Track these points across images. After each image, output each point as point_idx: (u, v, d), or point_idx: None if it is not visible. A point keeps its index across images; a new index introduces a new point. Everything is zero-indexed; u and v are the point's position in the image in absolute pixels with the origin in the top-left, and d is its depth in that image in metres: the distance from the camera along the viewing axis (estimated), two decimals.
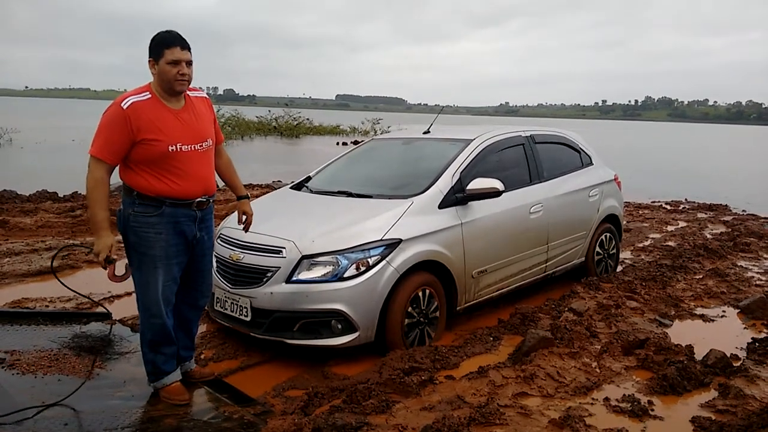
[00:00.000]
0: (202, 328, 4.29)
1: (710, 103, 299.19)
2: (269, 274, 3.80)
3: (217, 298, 4.06)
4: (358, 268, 3.77)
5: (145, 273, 3.08)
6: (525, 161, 5.25)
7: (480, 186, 4.40)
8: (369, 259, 3.81)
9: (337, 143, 29.00)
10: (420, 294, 4.03)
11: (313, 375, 3.71)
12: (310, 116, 40.67)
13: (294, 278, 3.76)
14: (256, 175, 13.73)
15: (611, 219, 6.08)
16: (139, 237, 3.05)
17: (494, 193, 4.41)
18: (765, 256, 7.14)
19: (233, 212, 3.95)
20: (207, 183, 3.19)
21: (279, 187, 7.53)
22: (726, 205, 11.65)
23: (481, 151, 4.84)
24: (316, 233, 3.93)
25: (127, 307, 4.68)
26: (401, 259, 3.89)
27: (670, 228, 9.18)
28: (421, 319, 4.06)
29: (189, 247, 3.19)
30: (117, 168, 3.06)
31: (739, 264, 6.65)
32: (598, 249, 5.91)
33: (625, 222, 7.33)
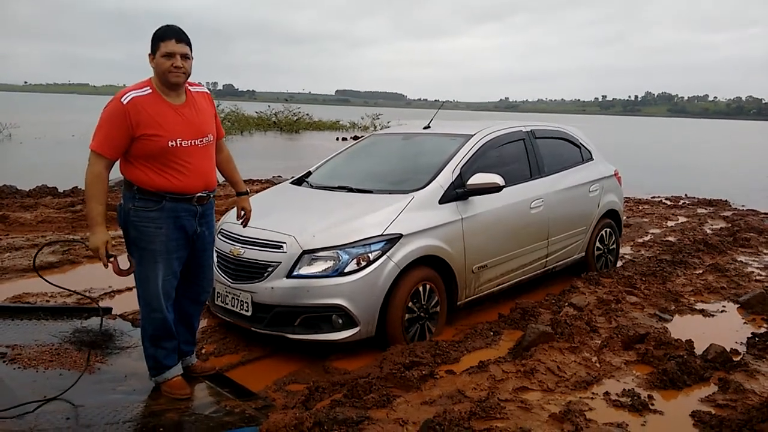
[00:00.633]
0: (203, 323, 4.30)
1: (710, 98, 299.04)
2: (270, 269, 3.80)
3: (218, 293, 4.06)
4: (358, 263, 3.77)
5: (145, 267, 3.08)
6: (525, 156, 5.25)
7: (480, 181, 4.40)
8: (370, 254, 3.81)
9: (337, 138, 28.99)
10: (420, 289, 4.04)
11: (314, 369, 3.72)
12: (310, 112, 40.64)
13: (295, 273, 3.77)
14: (256, 171, 13.72)
15: (611, 214, 6.08)
16: (140, 232, 3.05)
17: (495, 189, 4.41)
18: (765, 251, 7.15)
19: (233, 207, 3.95)
20: (207, 178, 3.19)
21: (279, 182, 7.53)
22: (726, 201, 11.65)
23: (482, 146, 4.84)
24: (316, 228, 3.93)
25: (128, 302, 4.69)
26: (402, 254, 3.90)
27: (670, 223, 9.18)
28: (422, 314, 4.07)
29: (189, 241, 3.19)
30: (118, 163, 3.06)
31: (739, 259, 6.66)
32: (598, 244, 5.92)
33: (625, 217, 7.33)
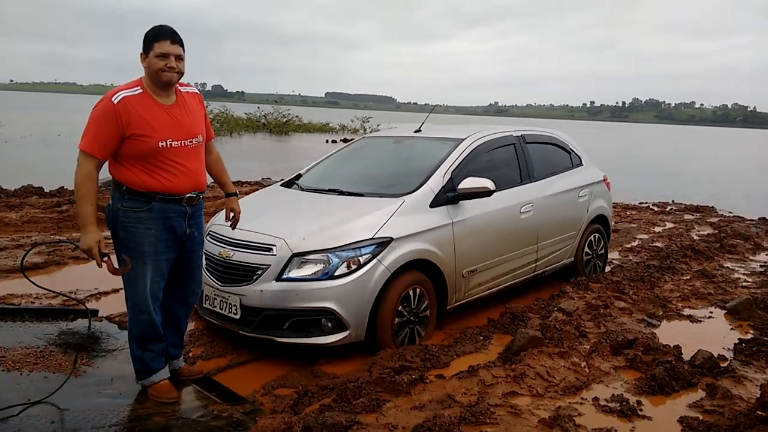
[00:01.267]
0: (190, 326, 4.26)
1: (697, 105, 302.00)
2: (259, 272, 3.77)
3: (206, 295, 4.03)
4: (348, 267, 3.76)
5: (133, 268, 3.05)
6: (516, 161, 5.26)
7: (471, 185, 4.40)
8: (360, 258, 3.79)
9: (327, 141, 28.97)
10: (410, 293, 4.02)
11: (302, 373, 3.69)
12: (300, 113, 40.56)
13: (284, 276, 3.74)
14: (245, 172, 13.66)
15: (600, 219, 6.11)
16: (128, 232, 3.02)
17: (485, 193, 4.41)
18: (751, 257, 7.22)
19: (222, 209, 3.93)
20: (197, 179, 3.17)
21: (268, 185, 7.49)
22: (713, 207, 11.76)
23: (473, 150, 4.84)
24: (306, 231, 3.91)
25: (114, 304, 4.63)
26: (392, 257, 3.88)
27: (657, 229, 9.25)
28: (412, 318, 4.06)
29: (178, 242, 3.17)
30: (106, 163, 3.03)
31: (725, 265, 6.71)
32: (587, 249, 5.94)
33: (613, 223, 7.37)
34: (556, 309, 4.69)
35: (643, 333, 4.25)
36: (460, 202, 4.44)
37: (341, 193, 4.57)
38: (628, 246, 7.82)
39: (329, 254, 3.76)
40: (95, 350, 3.77)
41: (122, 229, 3.03)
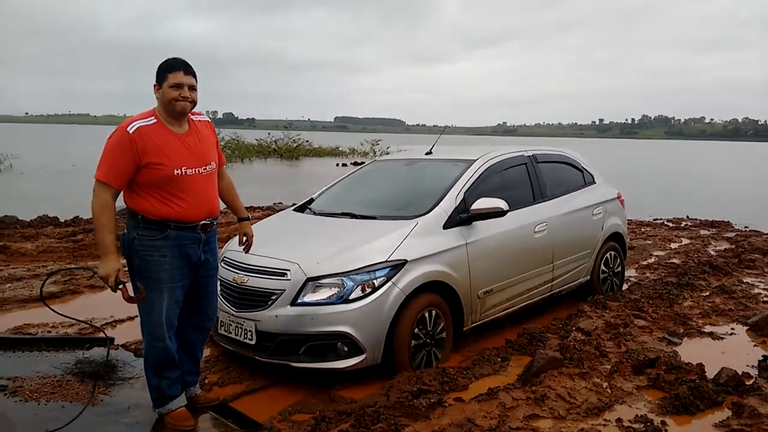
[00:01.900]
0: (206, 352, 4.24)
1: (707, 120, 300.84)
2: (274, 297, 3.76)
3: (222, 321, 4.02)
4: (363, 290, 3.74)
5: (149, 296, 3.06)
6: (528, 180, 5.24)
7: (484, 206, 4.39)
8: (374, 281, 3.77)
9: (337, 164, 29.10)
10: (426, 315, 3.99)
11: (319, 399, 3.65)
12: (310, 138, 40.86)
13: (299, 301, 3.73)
14: (257, 197, 13.73)
15: (615, 237, 6.05)
16: (144, 260, 3.03)
17: (499, 213, 4.39)
18: None
19: (235, 235, 3.94)
20: (211, 205, 3.19)
21: (280, 209, 7.52)
22: (728, 222, 11.62)
23: (485, 171, 4.83)
24: (320, 255, 3.90)
25: (129, 332, 4.63)
26: (407, 280, 3.86)
27: (673, 245, 9.15)
28: (428, 340, 4.02)
29: (193, 269, 3.18)
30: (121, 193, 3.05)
31: (745, 281, 6.61)
32: (603, 267, 5.88)
33: (628, 239, 7.31)
34: (574, 329, 4.62)
35: (665, 351, 4.17)
36: (474, 222, 4.42)
37: (354, 216, 4.57)
38: (645, 263, 7.74)
39: (344, 278, 3.75)
40: (112, 378, 3.76)
41: (138, 257, 3.04)
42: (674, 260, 7.85)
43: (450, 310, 4.19)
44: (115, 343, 4.39)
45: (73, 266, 6.80)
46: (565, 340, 4.32)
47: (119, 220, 3.04)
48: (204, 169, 3.14)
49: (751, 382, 3.73)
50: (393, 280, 3.81)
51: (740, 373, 3.78)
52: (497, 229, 4.56)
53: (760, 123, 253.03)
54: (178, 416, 3.19)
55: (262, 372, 3.96)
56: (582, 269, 5.61)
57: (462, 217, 4.38)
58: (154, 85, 3.08)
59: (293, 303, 3.73)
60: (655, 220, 12.02)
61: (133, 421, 3.21)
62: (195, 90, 3.09)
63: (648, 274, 7.07)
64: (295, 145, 37.32)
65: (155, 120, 3.04)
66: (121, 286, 2.94)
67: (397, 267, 3.86)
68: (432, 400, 3.39)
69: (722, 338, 4.75)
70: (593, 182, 6.05)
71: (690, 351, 4.36)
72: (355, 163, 27.06)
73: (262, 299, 3.81)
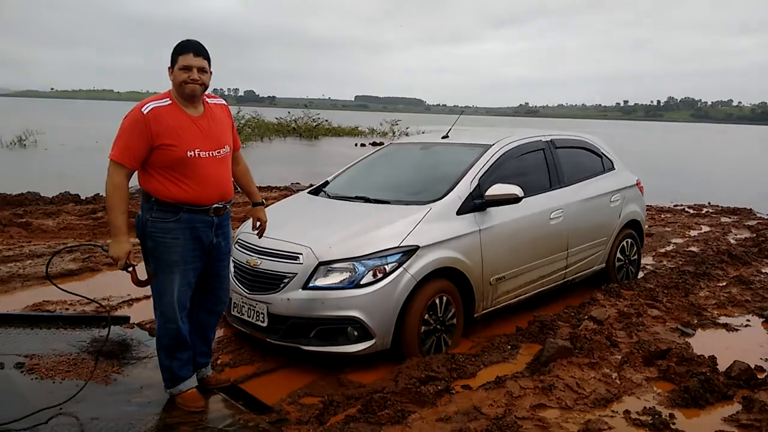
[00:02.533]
0: (219, 333, 4.30)
1: (734, 103, 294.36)
2: (286, 280, 3.79)
3: (235, 303, 4.06)
4: (375, 275, 3.75)
5: (161, 278, 3.10)
6: (545, 166, 5.18)
7: (499, 192, 4.35)
8: (386, 266, 3.78)
9: (356, 144, 29.06)
10: (437, 301, 4.00)
11: (328, 382, 3.69)
12: (329, 117, 40.78)
13: (311, 284, 3.75)
14: (275, 177, 13.78)
15: (633, 225, 5.98)
16: (156, 242, 3.07)
17: (513, 199, 4.36)
18: None
19: (250, 217, 3.96)
20: (224, 189, 3.20)
21: (298, 190, 7.54)
22: (750, 209, 11.41)
23: (501, 156, 4.79)
24: (333, 239, 3.91)
25: (145, 311, 4.70)
26: (418, 266, 3.86)
27: (692, 233, 9.02)
28: (438, 326, 4.03)
29: (205, 252, 3.20)
30: (136, 173, 3.08)
31: (764, 271, 6.50)
32: (619, 255, 5.82)
33: (646, 226, 7.21)
34: (586, 317, 4.60)
35: (677, 343, 4.13)
36: (488, 209, 4.39)
37: (368, 200, 4.57)
38: (662, 251, 7.64)
39: (355, 263, 3.76)
40: (125, 357, 3.84)
41: (150, 239, 3.08)
42: (692, 248, 7.74)
43: (461, 296, 4.19)
44: (131, 321, 4.47)
45: (87, 243, 6.90)
46: (577, 329, 4.30)
47: (137, 198, 3.07)
48: (218, 153, 3.15)
49: (763, 376, 3.69)
50: (404, 265, 3.81)
51: (753, 366, 3.73)
52: (511, 216, 4.53)
53: None
54: (189, 397, 3.25)
55: (272, 354, 4.01)
56: (597, 257, 5.56)
57: (476, 203, 4.36)
58: (168, 68, 3.09)
59: (305, 287, 3.75)
60: (675, 206, 11.84)
61: (145, 401, 3.27)
62: (206, 72, 3.08)
63: (665, 262, 6.99)
64: (314, 124, 37.29)
65: (170, 102, 3.06)
66: (131, 269, 2.98)
67: (408, 253, 3.86)
68: (439, 387, 3.41)
69: (737, 330, 4.69)
70: (612, 168, 5.96)
71: (703, 342, 4.32)
72: (374, 143, 26.99)
73: (274, 282, 3.85)
